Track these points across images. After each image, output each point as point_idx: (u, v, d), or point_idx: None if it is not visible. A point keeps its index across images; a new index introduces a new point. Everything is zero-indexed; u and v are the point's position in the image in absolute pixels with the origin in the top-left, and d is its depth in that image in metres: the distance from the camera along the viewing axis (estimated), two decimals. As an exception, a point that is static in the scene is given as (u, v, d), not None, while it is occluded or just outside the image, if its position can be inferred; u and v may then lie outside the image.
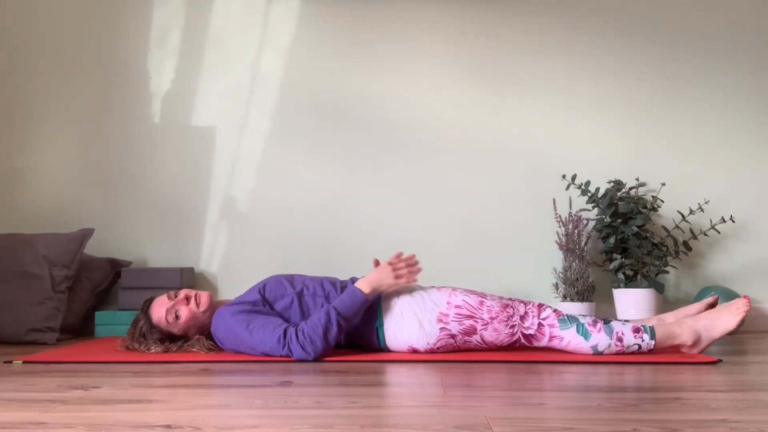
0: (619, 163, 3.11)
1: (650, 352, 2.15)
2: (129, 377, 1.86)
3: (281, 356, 2.15)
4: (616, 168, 3.10)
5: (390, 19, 3.19)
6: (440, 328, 2.20)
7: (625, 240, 2.87)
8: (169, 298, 2.30)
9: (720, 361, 2.07)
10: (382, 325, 2.24)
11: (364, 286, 2.20)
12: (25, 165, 3.22)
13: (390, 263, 2.24)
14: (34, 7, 3.24)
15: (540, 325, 2.18)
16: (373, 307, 2.27)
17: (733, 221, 3.01)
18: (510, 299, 2.25)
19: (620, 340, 2.13)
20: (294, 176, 3.16)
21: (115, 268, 3.04)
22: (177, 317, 2.27)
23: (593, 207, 2.95)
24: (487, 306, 2.21)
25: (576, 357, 2.13)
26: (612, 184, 2.96)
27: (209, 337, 2.30)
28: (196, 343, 2.27)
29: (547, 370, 1.94)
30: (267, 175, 3.18)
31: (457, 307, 2.21)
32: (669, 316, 2.34)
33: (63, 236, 2.93)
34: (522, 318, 2.20)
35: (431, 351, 2.24)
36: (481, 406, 1.45)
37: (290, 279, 2.36)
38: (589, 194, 2.92)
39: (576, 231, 2.92)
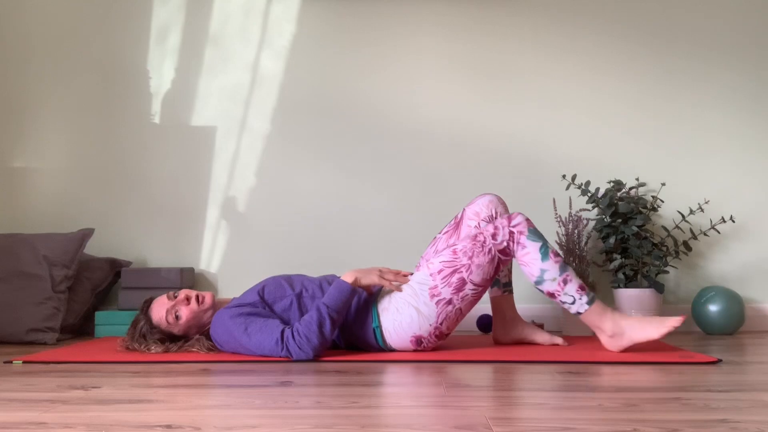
0: (619, 163, 3.11)
1: (576, 315, 2.19)
2: (129, 377, 1.86)
3: (281, 357, 2.15)
4: (616, 168, 3.10)
5: (390, 19, 3.19)
6: (436, 302, 2.21)
7: (625, 240, 2.87)
8: (169, 298, 2.30)
9: (720, 361, 2.07)
10: (379, 326, 2.24)
11: (347, 276, 2.22)
12: (25, 165, 3.22)
13: (380, 268, 2.26)
14: (34, 7, 3.24)
15: (511, 233, 2.20)
16: (369, 310, 2.27)
17: (733, 221, 3.01)
18: (477, 227, 2.25)
19: (565, 282, 2.17)
20: (294, 176, 3.16)
21: (115, 268, 3.04)
22: (177, 317, 2.27)
23: (593, 207, 2.95)
24: (461, 249, 2.23)
25: (576, 357, 2.13)
26: (612, 184, 2.96)
27: (209, 337, 2.30)
28: (196, 343, 2.27)
29: (547, 370, 1.94)
30: (267, 175, 3.18)
31: (439, 272, 2.22)
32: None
33: (63, 236, 2.93)
34: (493, 236, 2.21)
35: (438, 334, 2.24)
36: (481, 406, 1.45)
37: (289, 280, 2.36)
38: (589, 194, 2.92)
39: (576, 231, 2.92)
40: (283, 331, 2.14)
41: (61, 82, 3.22)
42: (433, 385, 1.70)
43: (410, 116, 3.16)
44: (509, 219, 2.23)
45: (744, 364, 2.07)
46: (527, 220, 2.23)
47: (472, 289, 2.23)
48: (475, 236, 2.23)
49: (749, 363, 2.09)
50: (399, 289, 2.25)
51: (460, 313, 2.25)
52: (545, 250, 2.18)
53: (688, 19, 3.15)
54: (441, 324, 2.23)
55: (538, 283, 2.19)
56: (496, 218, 2.36)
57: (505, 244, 2.20)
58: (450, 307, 2.22)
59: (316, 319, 2.13)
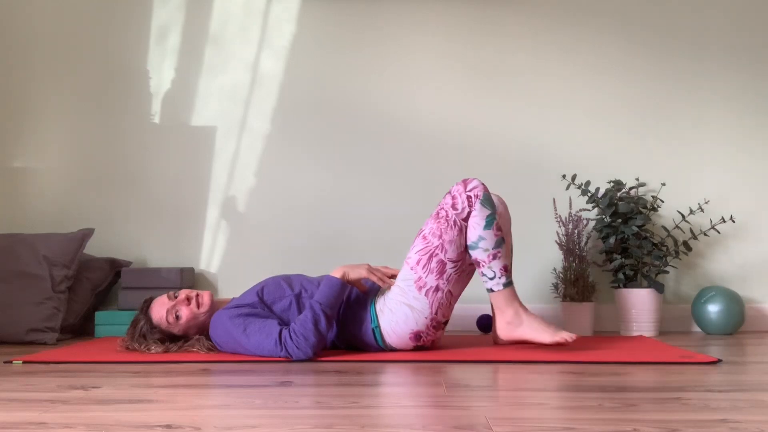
0: (619, 163, 3.11)
1: (489, 291, 2.24)
2: (129, 377, 1.86)
3: (281, 358, 2.15)
4: (616, 168, 3.10)
5: (390, 19, 3.19)
6: (425, 294, 2.22)
7: (625, 240, 2.87)
8: (170, 298, 2.30)
9: (720, 361, 2.07)
10: (378, 326, 2.25)
11: (336, 272, 2.24)
12: (25, 165, 3.22)
13: (370, 265, 2.28)
14: (34, 6, 3.24)
15: (468, 197, 2.23)
16: (368, 310, 2.27)
17: (733, 221, 3.01)
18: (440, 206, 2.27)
19: (494, 257, 2.21)
20: (294, 176, 3.16)
21: (115, 268, 3.04)
22: (177, 318, 2.27)
23: (593, 207, 2.96)
24: (429, 232, 2.24)
25: (576, 357, 2.13)
26: (612, 184, 2.96)
27: (209, 337, 2.30)
28: (196, 343, 2.27)
29: (547, 370, 1.94)
30: (267, 175, 3.18)
31: (417, 263, 2.23)
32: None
33: (63, 236, 2.93)
34: (453, 207, 2.24)
35: (435, 324, 2.24)
36: (481, 406, 1.45)
37: (288, 280, 2.36)
38: (589, 194, 2.92)
39: (576, 231, 2.92)
40: (281, 332, 2.14)
41: (61, 82, 3.22)
42: (433, 385, 1.70)
43: (410, 116, 3.16)
44: (465, 184, 2.26)
45: (744, 364, 2.07)
46: (483, 184, 2.26)
47: (453, 267, 2.24)
48: (437, 213, 2.26)
49: (749, 363, 2.09)
50: (387, 286, 2.26)
51: (451, 296, 2.26)
52: (491, 220, 2.22)
53: (689, 19, 3.15)
54: (436, 313, 2.23)
55: (470, 247, 2.23)
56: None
57: (467, 211, 2.23)
58: (440, 294, 2.23)
59: (311, 317, 2.14)
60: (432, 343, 2.31)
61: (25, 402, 1.53)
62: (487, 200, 2.24)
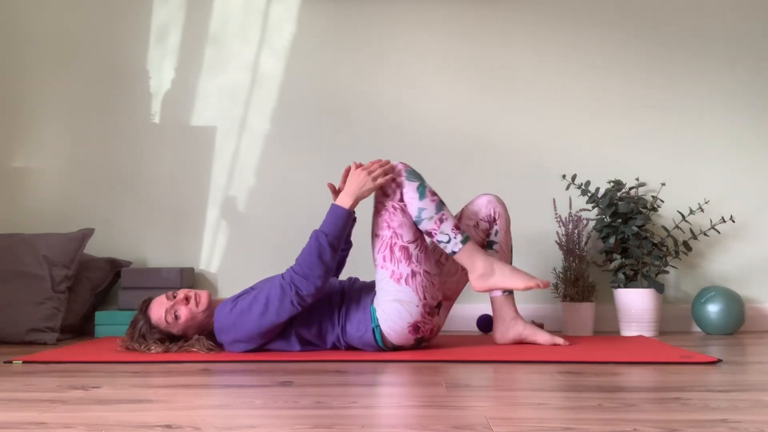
0: (619, 163, 3.11)
1: (452, 254, 2.26)
2: (129, 377, 1.86)
3: (294, 305, 2.17)
4: (616, 168, 3.10)
5: (391, 19, 3.19)
6: (405, 282, 2.23)
7: (625, 240, 2.87)
8: (168, 298, 2.30)
9: (720, 361, 2.07)
10: (378, 325, 2.25)
11: (344, 200, 2.25)
12: (25, 165, 3.22)
13: (363, 168, 2.28)
14: (34, 7, 3.24)
15: (394, 180, 2.27)
16: (368, 310, 2.27)
17: (733, 221, 3.01)
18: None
19: (441, 221, 2.24)
20: (294, 176, 3.16)
21: (115, 268, 3.04)
22: (176, 317, 2.27)
23: (593, 207, 2.95)
24: (378, 227, 2.27)
25: (576, 357, 2.13)
26: (612, 184, 2.96)
27: (209, 336, 2.30)
28: (196, 343, 2.27)
29: (547, 370, 1.94)
30: (267, 175, 3.18)
31: (384, 259, 2.25)
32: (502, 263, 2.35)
33: (63, 236, 2.93)
34: (385, 195, 2.28)
35: (428, 310, 2.24)
36: (481, 406, 1.45)
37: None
38: (589, 194, 2.92)
39: (576, 231, 2.92)
40: (283, 275, 2.18)
41: (61, 82, 3.22)
42: (433, 385, 1.70)
43: (410, 116, 3.16)
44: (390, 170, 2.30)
45: (744, 364, 2.07)
46: (402, 163, 2.30)
47: (416, 247, 2.26)
48: (376, 209, 2.30)
49: (749, 363, 2.09)
50: (391, 176, 2.27)
51: (430, 276, 2.26)
52: (422, 190, 2.26)
53: (689, 19, 3.15)
54: (425, 297, 2.23)
55: (417, 222, 2.26)
56: (495, 220, 2.44)
57: (398, 191, 2.26)
58: (418, 277, 2.23)
59: (316, 248, 2.17)
60: (431, 333, 2.29)
61: (25, 402, 1.53)
62: (411, 173, 2.28)
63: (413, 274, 2.23)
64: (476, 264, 2.27)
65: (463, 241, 2.25)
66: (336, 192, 2.36)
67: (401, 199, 2.27)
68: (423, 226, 2.26)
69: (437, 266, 2.42)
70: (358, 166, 2.31)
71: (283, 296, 2.17)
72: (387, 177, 2.27)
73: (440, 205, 2.27)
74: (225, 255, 3.16)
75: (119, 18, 3.23)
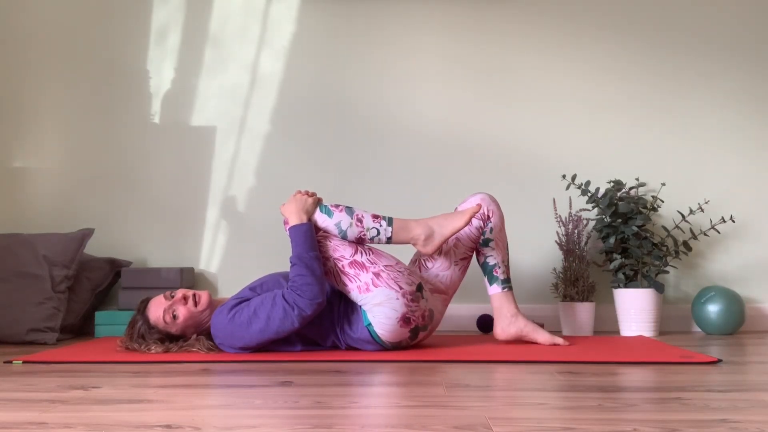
0: (619, 163, 3.11)
1: (388, 241, 2.29)
2: (128, 377, 1.86)
3: (295, 325, 2.18)
4: (616, 168, 3.10)
5: (391, 19, 3.19)
6: (374, 285, 2.23)
7: (625, 240, 2.87)
8: (166, 298, 2.30)
9: (720, 361, 2.07)
10: (371, 324, 2.25)
11: (295, 220, 2.27)
12: (25, 165, 3.22)
13: (298, 191, 2.34)
14: (34, 6, 3.24)
15: (300, 218, 2.28)
16: (358, 311, 2.27)
17: (733, 221, 3.01)
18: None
19: (360, 221, 2.27)
20: (293, 176, 3.16)
21: (115, 268, 3.04)
22: (175, 317, 2.27)
23: (593, 207, 2.95)
24: (323, 256, 2.26)
25: (576, 357, 2.13)
26: (612, 184, 2.96)
27: (209, 336, 2.30)
28: (196, 342, 2.27)
29: (546, 370, 1.94)
30: (267, 175, 3.18)
31: (346, 284, 2.26)
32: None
33: (63, 236, 2.93)
34: (303, 232, 2.28)
35: (411, 298, 2.24)
36: (481, 406, 1.45)
37: (287, 277, 2.36)
38: (589, 194, 2.92)
39: (576, 231, 2.92)
40: (283, 295, 2.18)
41: (61, 82, 3.22)
42: (432, 385, 1.70)
43: (410, 116, 3.16)
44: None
45: (744, 364, 2.07)
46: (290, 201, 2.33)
47: (361, 254, 2.27)
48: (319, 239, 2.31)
49: (749, 363, 2.09)
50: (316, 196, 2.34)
51: (393, 266, 2.26)
52: (325, 208, 2.30)
53: (689, 19, 3.15)
54: (401, 288, 2.23)
55: (344, 237, 2.28)
56: (488, 218, 2.43)
57: (306, 222, 2.27)
58: (383, 275, 2.24)
59: (304, 269, 2.18)
60: (423, 319, 2.27)
61: (25, 402, 1.53)
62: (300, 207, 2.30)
63: (377, 275, 2.24)
64: (414, 233, 2.30)
65: (389, 223, 2.29)
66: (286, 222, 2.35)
67: (316, 228, 2.30)
68: (351, 237, 2.28)
69: (423, 268, 2.44)
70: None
71: (284, 317, 2.18)
72: (316, 196, 2.33)
73: (349, 209, 2.30)
74: (225, 255, 3.16)
75: (119, 18, 3.23)
